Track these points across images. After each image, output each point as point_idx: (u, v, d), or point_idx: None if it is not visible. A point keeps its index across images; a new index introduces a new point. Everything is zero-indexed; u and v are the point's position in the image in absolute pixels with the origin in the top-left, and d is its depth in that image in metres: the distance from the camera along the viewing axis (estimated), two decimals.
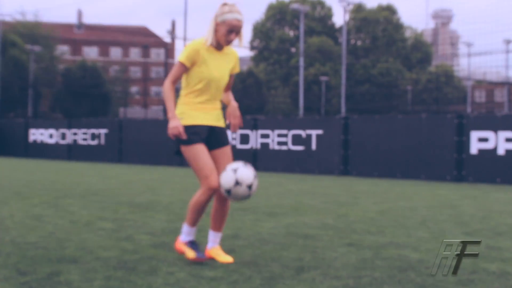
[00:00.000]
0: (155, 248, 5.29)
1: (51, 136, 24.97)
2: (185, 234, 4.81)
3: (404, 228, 6.67)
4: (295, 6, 48.40)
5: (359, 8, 74.83)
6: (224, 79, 4.83)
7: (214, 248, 4.88)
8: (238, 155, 18.16)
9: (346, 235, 6.16)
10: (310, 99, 65.38)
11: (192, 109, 4.75)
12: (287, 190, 11.54)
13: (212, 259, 4.79)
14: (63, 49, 74.78)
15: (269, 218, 7.35)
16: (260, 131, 18.25)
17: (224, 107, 5.10)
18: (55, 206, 8.28)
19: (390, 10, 74.96)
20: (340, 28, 73.33)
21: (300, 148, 17.31)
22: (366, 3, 73.06)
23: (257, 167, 18.04)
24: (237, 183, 4.57)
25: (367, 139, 16.11)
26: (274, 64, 73.50)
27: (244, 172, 4.61)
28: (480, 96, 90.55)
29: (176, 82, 4.74)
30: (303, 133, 17.26)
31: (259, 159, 18.19)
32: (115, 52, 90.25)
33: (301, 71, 46.56)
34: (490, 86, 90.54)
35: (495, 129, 14.03)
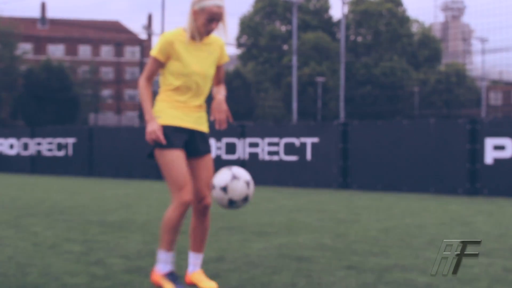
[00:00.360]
0: (129, 273, 5.28)
1: (11, 146, 24.88)
2: (162, 263, 4.71)
3: (411, 249, 6.69)
4: None
5: (359, 0, 75.19)
6: (208, 73, 4.78)
7: (195, 273, 4.84)
8: (224, 166, 18.16)
9: (346, 256, 6.17)
10: (304, 102, 65.54)
11: (171, 107, 4.72)
12: (278, 206, 11.54)
13: (193, 286, 4.79)
14: (25, 48, 74.59)
15: (258, 238, 7.36)
16: (248, 140, 18.27)
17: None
18: (16, 226, 8.24)
19: (394, 1, 75.32)
20: (338, 22, 73.60)
21: (293, 158, 17.34)
22: None
23: None
24: (234, 177, 4.59)
25: (369, 148, 16.15)
26: (264, 63, 73.65)
27: (240, 170, 4.69)
28: (495, 98, 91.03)
29: (152, 79, 4.72)
30: (296, 141, 17.29)
31: (247, 170, 18.18)
32: (84, 51, 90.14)
33: (295, 71, 46.66)
34: (507, 87, 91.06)
35: None
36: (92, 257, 6.01)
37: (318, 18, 75.92)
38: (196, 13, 4.62)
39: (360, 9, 74.37)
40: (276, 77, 72.03)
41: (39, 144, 23.96)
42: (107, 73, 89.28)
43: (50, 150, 23.58)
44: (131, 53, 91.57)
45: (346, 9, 70.07)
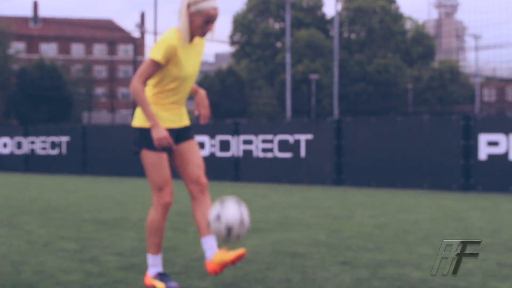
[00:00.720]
0: (124, 270, 5.28)
1: (5, 145, 24.83)
2: (152, 266, 4.83)
3: (405, 244, 6.71)
4: None
5: None
6: (196, 74, 4.89)
7: (217, 253, 4.63)
8: (218, 163, 18.15)
9: (340, 252, 6.18)
10: (298, 100, 65.56)
11: (163, 110, 4.79)
12: (273, 203, 11.55)
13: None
14: (17, 47, 74.40)
15: (252, 234, 7.36)
16: (242, 137, 18.27)
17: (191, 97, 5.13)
18: (9, 225, 8.24)
19: None
20: (332, 20, 73.61)
21: (287, 155, 17.35)
22: None
23: (239, 177, 18.04)
24: (222, 204, 4.58)
25: (363, 144, 16.17)
26: (258, 61, 73.63)
27: (229, 201, 4.61)
28: (489, 94, 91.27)
29: (147, 81, 4.72)
30: (290, 138, 17.29)
31: (241, 168, 18.19)
32: (77, 49, 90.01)
33: (288, 69, 46.67)
34: (500, 84, 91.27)
35: (507, 131, 14.14)
36: (86, 254, 6.01)
37: (312, 16, 75.92)
38: (192, 15, 4.64)
39: (354, 7, 74.39)
40: (269, 74, 72.05)
41: (32, 142, 23.91)
42: (100, 71, 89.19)
43: (43, 148, 23.53)
44: (124, 51, 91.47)
45: (339, 7, 70.06)
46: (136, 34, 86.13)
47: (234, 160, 18.30)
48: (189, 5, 4.64)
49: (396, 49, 73.03)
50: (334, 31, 47.78)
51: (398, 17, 75.22)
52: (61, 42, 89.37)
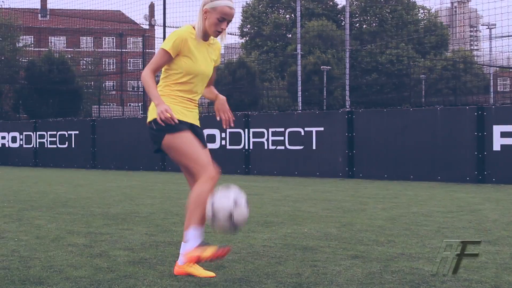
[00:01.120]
0: (133, 265, 5.29)
1: (14, 139, 24.92)
2: (193, 239, 4.76)
3: (418, 237, 6.70)
4: None
5: None
6: (210, 72, 4.99)
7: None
8: (229, 156, 18.17)
9: (351, 246, 6.18)
10: (310, 91, 65.43)
11: (175, 103, 4.85)
12: (283, 196, 11.56)
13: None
14: (26, 40, 74.54)
15: (263, 228, 7.37)
16: (253, 129, 18.27)
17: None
18: (19, 219, 8.27)
19: None
20: (343, 10, 73.41)
21: (298, 147, 17.34)
22: None
23: (250, 170, 18.05)
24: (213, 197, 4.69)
25: (375, 136, 16.14)
26: (268, 52, 73.55)
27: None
28: (504, 84, 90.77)
29: (157, 71, 4.85)
30: (301, 130, 17.28)
31: (252, 161, 18.20)
32: (86, 42, 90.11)
33: (299, 60, 46.57)
34: None
35: None
36: (96, 249, 6.03)
37: (323, 6, 75.74)
38: (207, 12, 4.73)
39: None
40: (280, 66, 71.95)
41: (41, 137, 24.00)
42: (110, 64, 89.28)
43: (53, 142, 23.61)
44: (134, 43, 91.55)
45: None
46: (145, 26, 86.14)
47: (245, 153, 18.31)
48: (205, 3, 4.76)
49: (409, 39, 72.77)
50: (345, 21, 47.66)
51: (410, 7, 74.93)
52: (70, 35, 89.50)
